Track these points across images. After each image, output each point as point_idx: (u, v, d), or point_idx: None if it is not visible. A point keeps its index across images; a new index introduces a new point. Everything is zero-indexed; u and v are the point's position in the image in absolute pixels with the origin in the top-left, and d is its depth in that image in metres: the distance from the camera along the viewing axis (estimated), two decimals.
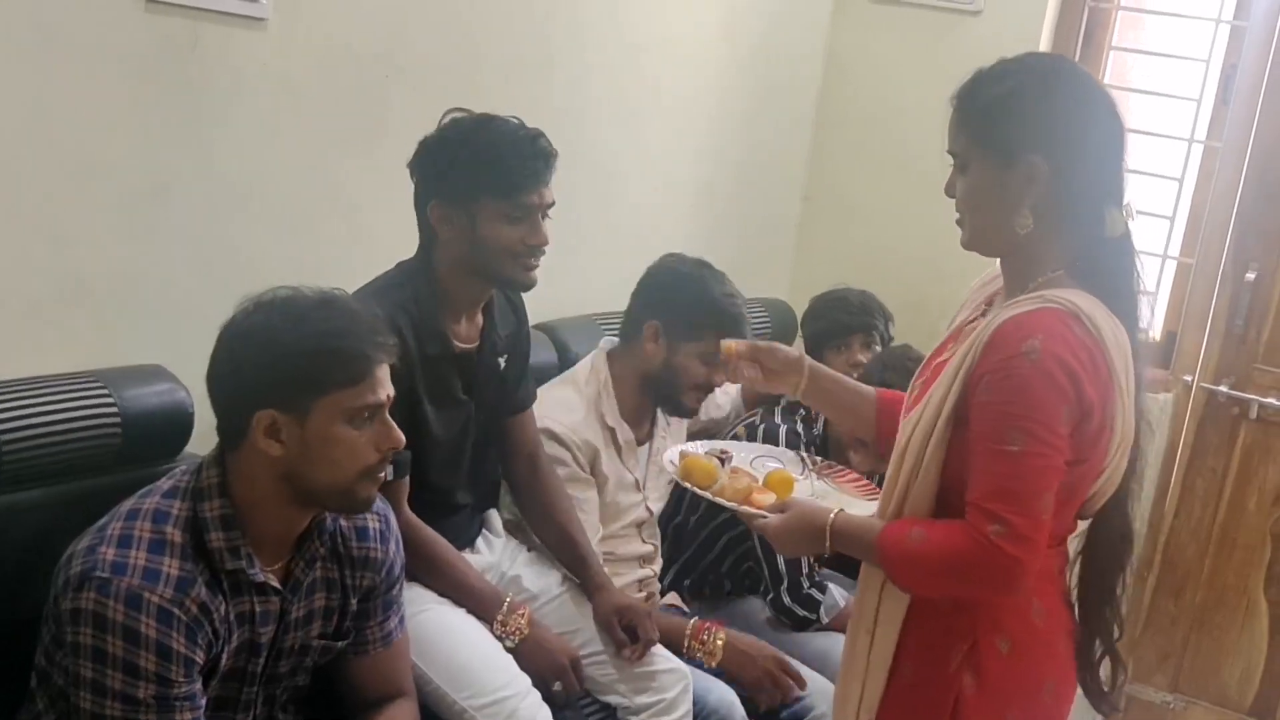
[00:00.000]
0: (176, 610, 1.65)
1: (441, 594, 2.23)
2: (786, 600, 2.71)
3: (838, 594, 2.75)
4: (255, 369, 1.70)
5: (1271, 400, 3.61)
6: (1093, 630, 1.84)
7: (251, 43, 2.31)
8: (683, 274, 2.60)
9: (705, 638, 2.50)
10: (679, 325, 2.54)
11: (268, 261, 2.40)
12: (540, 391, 2.53)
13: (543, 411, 2.50)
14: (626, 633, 2.33)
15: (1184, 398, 3.71)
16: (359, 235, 2.57)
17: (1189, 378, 3.69)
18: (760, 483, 2.05)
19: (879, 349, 3.05)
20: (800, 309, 3.52)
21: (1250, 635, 3.76)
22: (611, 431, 2.58)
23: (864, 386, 2.10)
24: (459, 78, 2.72)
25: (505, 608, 2.24)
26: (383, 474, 1.78)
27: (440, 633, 2.19)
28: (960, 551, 1.65)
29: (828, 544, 1.79)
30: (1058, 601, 1.82)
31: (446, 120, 2.17)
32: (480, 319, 2.28)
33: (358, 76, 2.53)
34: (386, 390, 1.75)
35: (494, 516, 2.49)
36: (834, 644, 2.64)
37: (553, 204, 2.20)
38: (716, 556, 2.85)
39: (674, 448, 2.23)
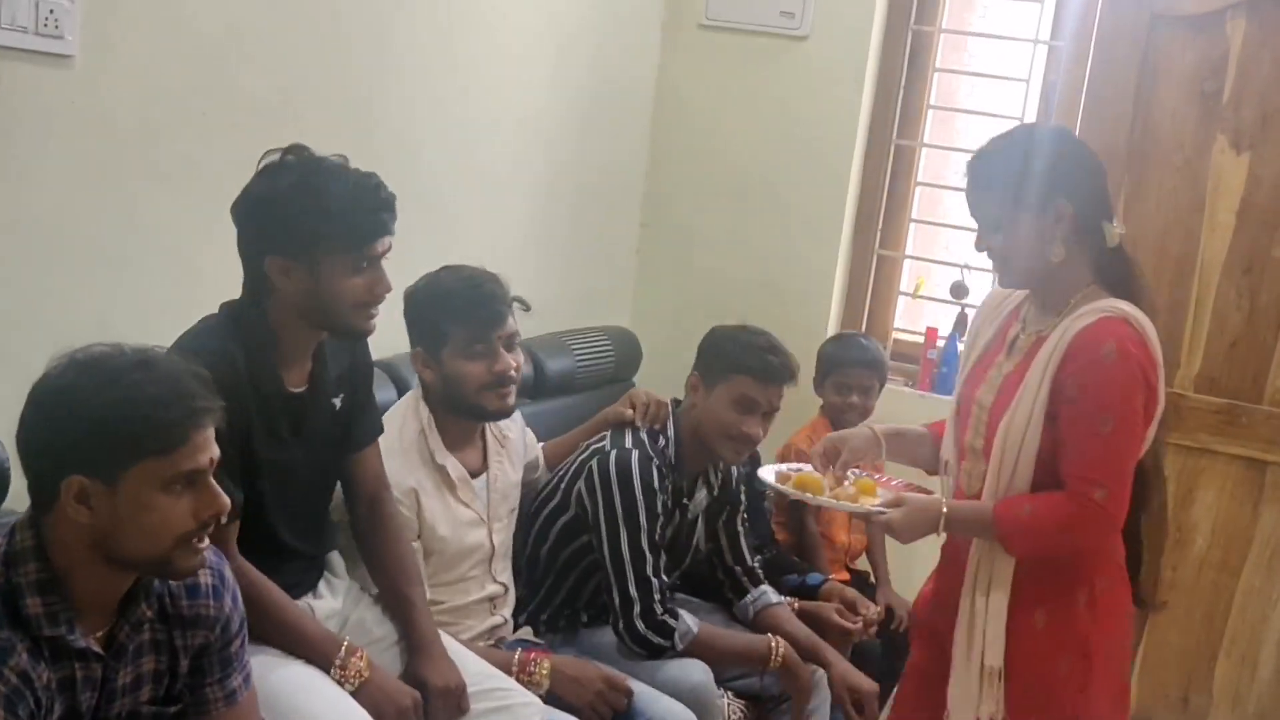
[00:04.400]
0: None
1: (274, 642, 2.15)
2: (640, 627, 2.67)
3: (691, 621, 2.73)
4: (62, 433, 1.61)
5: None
6: (1138, 552, 2.30)
7: (58, 81, 2.22)
8: (450, 289, 2.57)
9: (531, 668, 2.48)
10: (460, 340, 2.52)
11: (84, 308, 2.31)
12: None
13: None
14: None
15: None
16: (181, 276, 2.48)
17: None
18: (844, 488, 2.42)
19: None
20: (644, 335, 3.53)
21: None
22: (442, 470, 2.54)
23: (916, 429, 2.53)
24: (279, 113, 2.66)
25: (343, 651, 2.18)
26: (203, 542, 1.70)
27: (288, 689, 2.12)
28: (1071, 514, 2.12)
29: (941, 528, 2.20)
30: (1119, 540, 2.25)
31: (268, 164, 2.10)
32: (310, 362, 2.22)
33: (173, 114, 2.45)
34: (209, 454, 1.67)
35: (336, 559, 2.42)
36: (688, 670, 2.67)
37: (390, 247, 2.17)
38: (572, 586, 2.81)
39: (766, 470, 2.53)
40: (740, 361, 2.72)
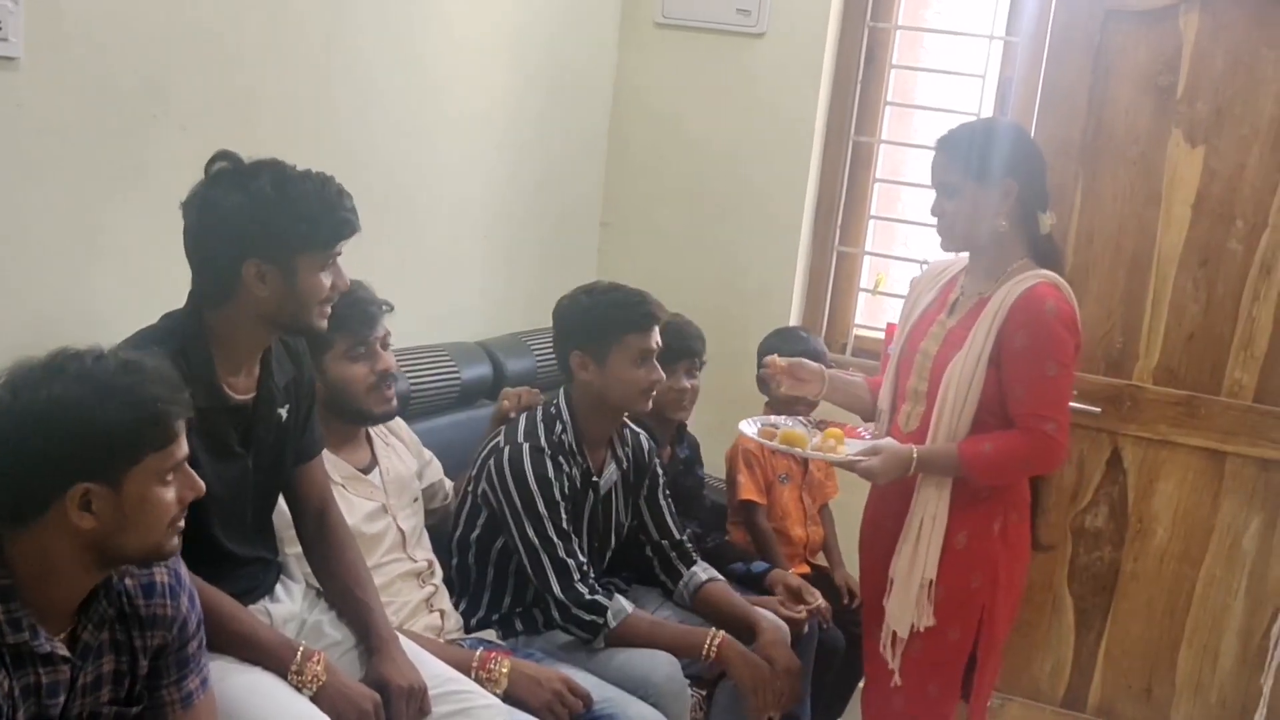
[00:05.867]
0: None
1: (229, 650, 2.14)
2: (571, 609, 2.68)
3: (624, 601, 2.73)
4: (62, 445, 1.63)
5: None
6: (1037, 497, 2.73)
7: (3, 83, 2.18)
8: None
9: (491, 666, 2.49)
10: (342, 345, 2.54)
11: (32, 310, 2.27)
12: None
13: None
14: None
15: None
16: (130, 280, 2.45)
17: None
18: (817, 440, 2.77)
19: (699, 373, 3.21)
20: None
21: (1058, 630, 3.88)
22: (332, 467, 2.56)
23: (856, 378, 2.92)
24: (231, 114, 2.64)
25: (299, 656, 2.16)
26: (181, 523, 1.77)
27: (244, 695, 2.10)
28: (1027, 447, 2.52)
29: (913, 469, 2.57)
30: (1029, 486, 2.70)
31: (221, 170, 2.09)
32: (256, 370, 2.21)
33: (121, 116, 2.42)
34: (184, 441, 1.75)
35: (291, 563, 2.41)
36: (656, 663, 2.68)
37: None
38: (515, 586, 2.81)
39: (746, 422, 2.86)
40: (622, 322, 2.76)
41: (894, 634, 2.66)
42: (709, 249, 4.03)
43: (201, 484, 1.77)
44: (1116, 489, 3.77)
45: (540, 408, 2.86)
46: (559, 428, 2.80)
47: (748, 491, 3.46)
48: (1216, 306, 3.61)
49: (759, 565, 3.26)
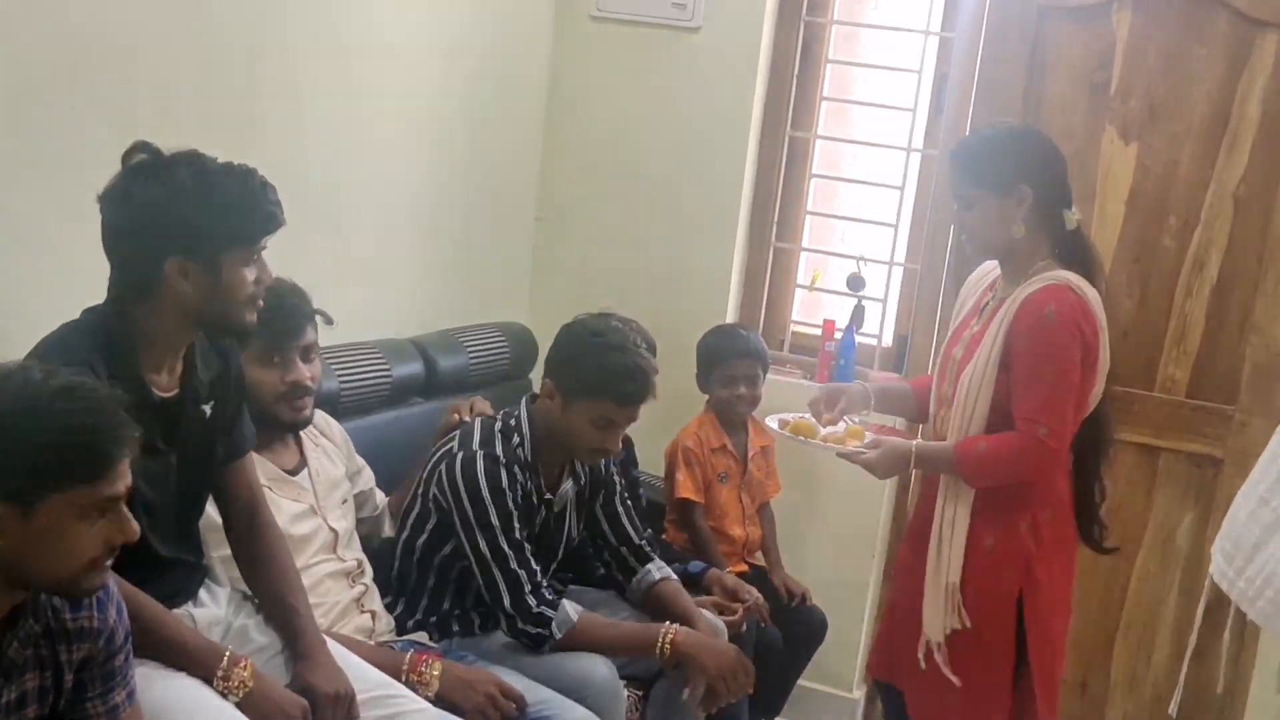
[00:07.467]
0: None
1: (153, 655, 2.09)
2: (518, 622, 2.66)
3: (571, 610, 2.70)
4: None
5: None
6: (1088, 495, 2.74)
7: None
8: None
9: (422, 669, 2.47)
10: (257, 349, 2.49)
11: None
12: None
13: None
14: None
15: None
16: (51, 274, 2.38)
17: None
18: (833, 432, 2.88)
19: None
20: (540, 331, 3.47)
21: None
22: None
23: (899, 385, 3.10)
24: (152, 106, 2.57)
25: (226, 661, 2.12)
26: (109, 563, 1.70)
27: (170, 702, 2.05)
28: (1019, 449, 2.54)
29: (912, 465, 2.69)
30: (1069, 482, 2.71)
31: (140, 163, 2.04)
32: (180, 366, 2.17)
33: (41, 109, 2.35)
34: (126, 480, 1.67)
35: (216, 566, 2.36)
36: (593, 666, 2.66)
37: None
38: (456, 591, 2.78)
39: (771, 419, 3.00)
40: (602, 386, 2.68)
41: (929, 641, 2.68)
42: (645, 244, 4.00)
43: (135, 528, 1.70)
44: None
45: (500, 417, 2.81)
46: (516, 440, 2.75)
47: (686, 490, 3.44)
48: (1150, 303, 3.63)
49: (696, 565, 3.24)
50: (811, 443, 2.87)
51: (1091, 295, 2.57)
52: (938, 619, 2.66)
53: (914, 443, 2.72)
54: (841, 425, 2.90)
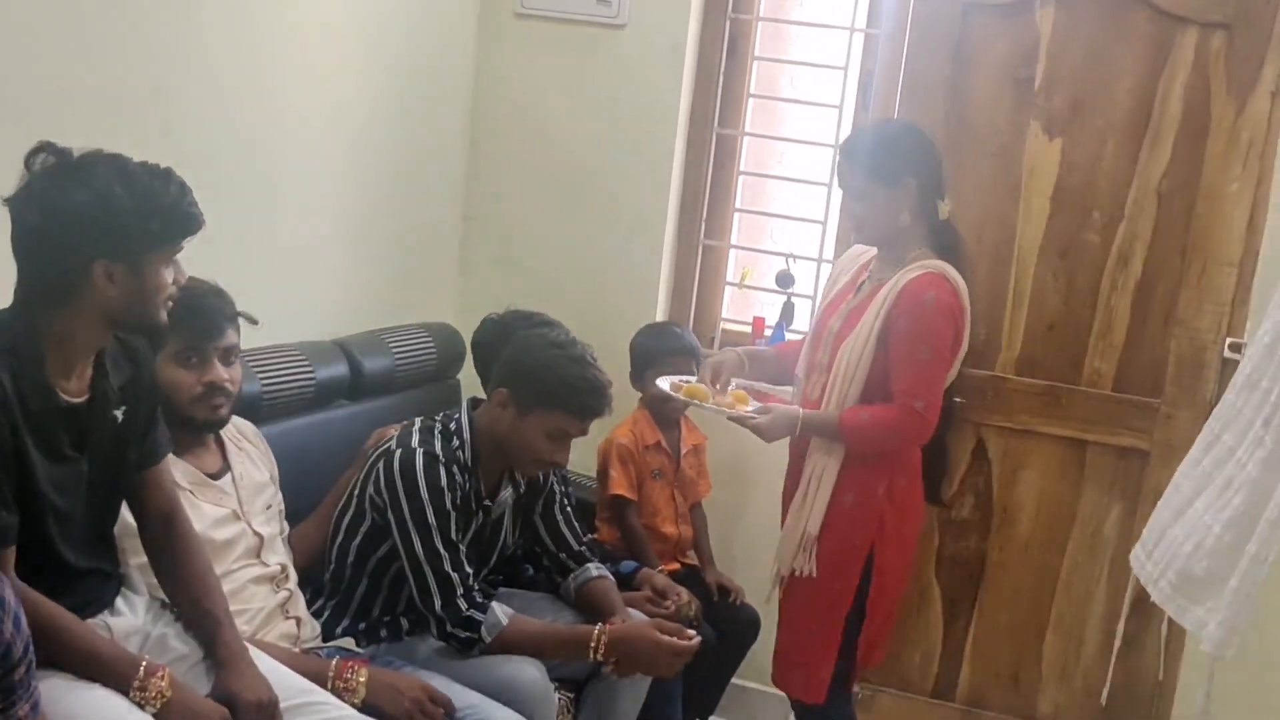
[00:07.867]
0: None
1: (66, 666, 2.03)
2: (447, 625, 2.64)
3: (501, 613, 2.67)
4: None
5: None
6: (939, 460, 3.06)
7: None
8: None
9: (348, 675, 2.43)
10: (174, 348, 2.44)
11: None
12: None
13: None
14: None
15: None
16: None
17: None
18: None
19: None
20: (467, 331, 3.42)
21: (927, 620, 3.90)
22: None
23: (767, 350, 3.31)
24: (63, 105, 2.50)
25: (142, 671, 2.06)
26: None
27: (82, 714, 1.99)
28: (898, 420, 2.79)
29: (799, 430, 2.88)
30: (919, 452, 2.96)
31: (50, 166, 1.98)
32: (90, 371, 2.11)
33: None
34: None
35: (133, 574, 2.31)
36: (523, 669, 2.64)
37: None
38: (387, 596, 2.74)
39: (662, 380, 3.12)
40: (559, 399, 2.67)
41: (778, 573, 3.00)
42: (573, 243, 3.97)
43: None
44: (981, 479, 3.80)
45: (439, 419, 2.78)
46: (456, 443, 2.72)
47: (620, 487, 3.42)
48: (1076, 297, 3.65)
49: (628, 565, 3.22)
50: (706, 407, 2.98)
51: (961, 284, 2.82)
52: (788, 557, 2.92)
53: (800, 410, 2.90)
54: (728, 396, 3.06)
